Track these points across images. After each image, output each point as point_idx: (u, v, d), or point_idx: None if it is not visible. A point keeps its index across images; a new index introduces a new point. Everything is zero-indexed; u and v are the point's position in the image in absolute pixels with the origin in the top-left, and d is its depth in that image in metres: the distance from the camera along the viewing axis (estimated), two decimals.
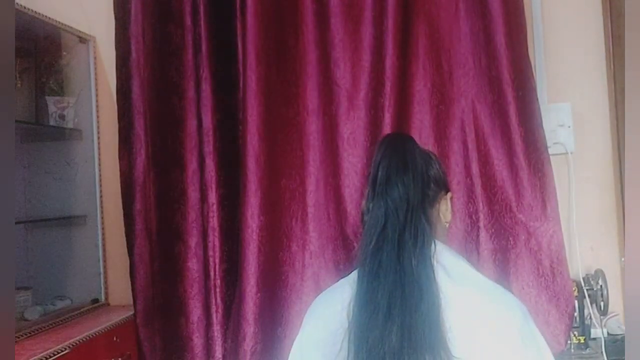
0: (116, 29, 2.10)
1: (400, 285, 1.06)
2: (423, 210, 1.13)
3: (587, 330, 1.92)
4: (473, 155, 1.87)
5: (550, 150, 1.89)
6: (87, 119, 2.23)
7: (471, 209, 1.88)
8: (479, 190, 1.86)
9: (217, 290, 1.98)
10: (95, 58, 2.25)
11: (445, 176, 1.29)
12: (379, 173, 1.15)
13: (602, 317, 1.93)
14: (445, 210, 1.25)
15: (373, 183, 1.16)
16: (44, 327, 1.91)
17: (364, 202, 1.19)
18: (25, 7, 1.97)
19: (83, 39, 2.24)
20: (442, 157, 1.88)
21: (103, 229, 2.24)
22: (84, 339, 1.83)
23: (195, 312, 2.01)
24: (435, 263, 1.11)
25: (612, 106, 2.02)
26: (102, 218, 2.24)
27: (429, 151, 1.31)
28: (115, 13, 2.11)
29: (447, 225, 1.27)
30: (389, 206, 1.11)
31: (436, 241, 1.16)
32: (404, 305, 1.04)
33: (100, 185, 2.23)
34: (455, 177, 1.88)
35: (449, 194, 1.28)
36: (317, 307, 1.25)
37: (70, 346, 1.76)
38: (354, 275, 1.16)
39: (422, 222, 1.11)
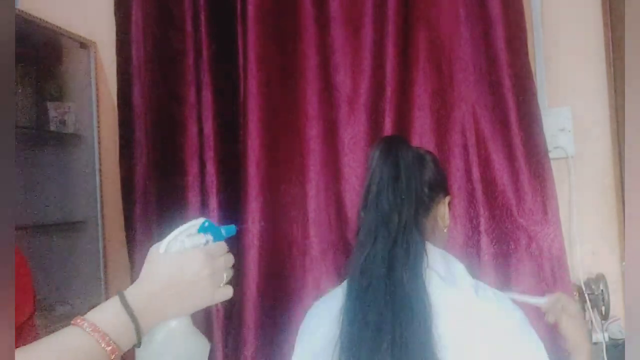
0: (117, 34, 2.11)
1: (390, 302, 1.05)
2: (416, 222, 1.11)
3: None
4: (474, 160, 1.87)
5: (550, 155, 1.89)
6: (88, 124, 2.23)
7: (472, 214, 1.88)
8: (479, 194, 1.86)
9: None
10: (96, 63, 2.25)
11: (444, 179, 1.26)
12: (371, 184, 1.14)
13: (603, 321, 1.93)
14: (444, 215, 1.24)
15: (366, 193, 1.15)
16: (44, 333, 1.90)
17: (360, 210, 1.18)
18: (25, 13, 1.97)
19: (84, 45, 2.24)
20: (443, 161, 1.88)
21: (104, 234, 2.24)
22: None
23: (196, 317, 2.00)
24: (429, 270, 1.10)
25: (612, 110, 2.02)
26: (102, 223, 2.24)
27: (426, 152, 1.28)
28: (116, 18, 2.12)
29: (446, 230, 1.25)
30: (379, 220, 1.10)
31: (433, 247, 1.15)
32: (394, 321, 1.04)
33: (101, 191, 2.23)
34: (456, 181, 1.88)
35: (448, 198, 1.26)
36: (312, 318, 1.24)
37: None
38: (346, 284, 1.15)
39: (413, 236, 1.09)
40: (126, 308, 0.84)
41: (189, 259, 0.88)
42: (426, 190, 1.19)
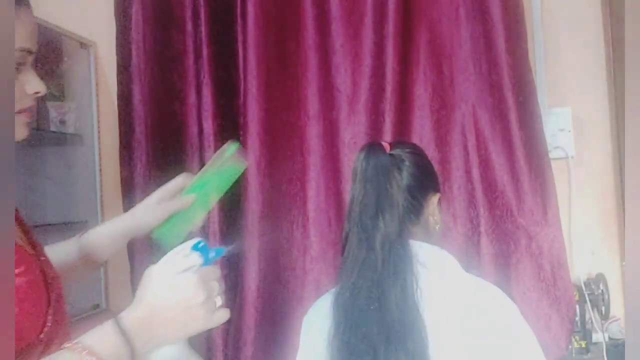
0: (117, 34, 2.11)
1: (383, 328, 1.05)
2: (401, 238, 1.10)
3: (588, 335, 1.92)
4: (474, 160, 1.88)
5: (550, 155, 1.89)
6: (88, 124, 2.22)
7: (472, 214, 1.88)
8: (479, 194, 1.87)
9: None
10: (96, 63, 2.25)
11: (428, 177, 1.22)
12: (354, 205, 1.12)
13: (603, 321, 1.93)
14: (434, 212, 1.22)
15: (350, 211, 1.14)
16: None
17: (345, 223, 1.17)
18: None
19: (84, 44, 2.24)
20: (443, 161, 1.88)
21: None
22: None
23: None
24: (422, 268, 1.10)
25: (612, 110, 2.03)
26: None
27: (406, 153, 1.20)
28: (116, 18, 2.11)
29: (438, 227, 1.24)
30: (363, 242, 1.10)
31: (426, 245, 1.15)
32: (388, 345, 1.04)
33: (101, 191, 2.23)
34: (456, 181, 1.88)
35: (437, 195, 1.24)
36: (309, 323, 1.24)
37: None
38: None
39: (400, 257, 1.08)
40: (121, 332, 0.84)
41: (183, 284, 0.86)
42: (408, 196, 1.15)
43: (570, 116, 2.03)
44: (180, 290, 0.85)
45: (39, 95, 0.99)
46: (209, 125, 2.01)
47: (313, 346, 1.16)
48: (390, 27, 1.88)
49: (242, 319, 1.89)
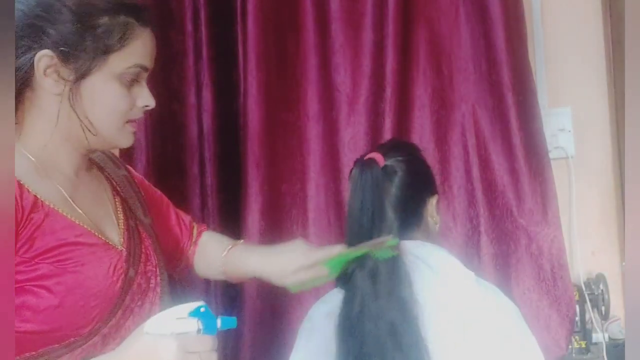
0: None
1: (388, 327, 1.06)
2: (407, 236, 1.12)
3: (588, 335, 1.92)
4: (473, 160, 1.88)
5: (550, 155, 1.89)
6: None
7: (472, 214, 1.88)
8: (479, 195, 1.86)
9: (218, 295, 1.98)
10: None
11: (423, 181, 1.24)
12: (352, 220, 1.14)
13: (603, 321, 1.93)
14: (432, 213, 1.23)
15: (350, 225, 1.16)
16: None
17: (347, 235, 1.18)
18: None
19: None
20: (443, 161, 1.88)
21: None
22: None
23: None
24: (423, 265, 1.11)
25: (612, 110, 2.02)
26: None
27: (399, 161, 1.21)
28: None
29: (437, 226, 1.25)
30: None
31: (427, 244, 1.16)
32: (393, 345, 1.04)
33: None
34: (456, 182, 1.88)
35: (435, 197, 1.25)
36: (306, 325, 1.25)
37: None
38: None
39: (397, 264, 1.09)
40: None
41: (160, 347, 0.80)
42: (406, 206, 1.17)
43: (570, 116, 2.03)
44: (154, 355, 0.80)
45: (148, 109, 1.04)
46: (208, 126, 2.01)
47: (315, 347, 1.16)
48: (390, 27, 1.88)
49: (241, 320, 1.89)
